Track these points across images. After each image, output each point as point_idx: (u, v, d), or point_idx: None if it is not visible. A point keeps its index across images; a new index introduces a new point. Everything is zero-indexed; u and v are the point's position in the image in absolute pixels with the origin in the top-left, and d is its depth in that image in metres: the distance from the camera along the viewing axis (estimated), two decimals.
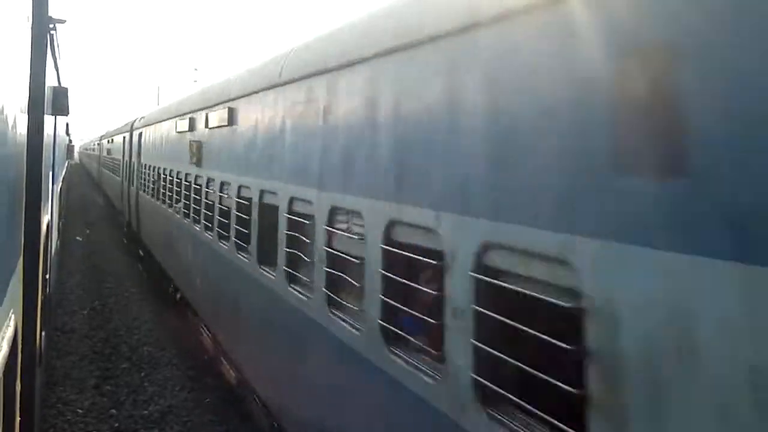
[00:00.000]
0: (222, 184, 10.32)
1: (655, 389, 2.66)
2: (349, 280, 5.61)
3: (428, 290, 4.37)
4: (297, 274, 7.03)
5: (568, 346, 3.09)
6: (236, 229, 9.27)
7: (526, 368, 3.39)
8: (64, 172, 20.41)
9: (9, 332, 3.39)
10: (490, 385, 3.70)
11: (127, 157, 26.61)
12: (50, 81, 7.61)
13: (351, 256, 5.57)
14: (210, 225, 11.06)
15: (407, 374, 4.57)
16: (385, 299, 4.89)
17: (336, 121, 6.01)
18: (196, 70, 67.60)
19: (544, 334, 3.27)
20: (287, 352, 7.25)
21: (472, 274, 3.84)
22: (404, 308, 4.69)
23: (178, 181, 14.42)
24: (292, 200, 7.04)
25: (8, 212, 3.85)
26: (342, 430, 5.82)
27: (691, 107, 2.61)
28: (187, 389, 11.94)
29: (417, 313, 4.53)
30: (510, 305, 3.61)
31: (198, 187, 12.21)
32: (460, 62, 4.14)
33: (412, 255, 4.60)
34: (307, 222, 6.58)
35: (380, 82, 5.21)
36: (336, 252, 5.85)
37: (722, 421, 2.39)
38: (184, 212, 13.70)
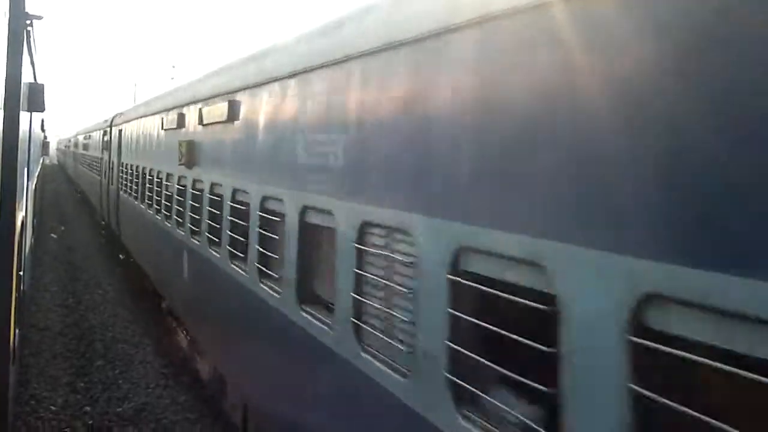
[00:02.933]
0: (212, 185, 9.47)
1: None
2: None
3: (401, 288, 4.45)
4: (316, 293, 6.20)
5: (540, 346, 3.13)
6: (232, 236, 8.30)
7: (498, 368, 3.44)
8: (39, 169, 20.26)
9: None
10: (464, 384, 3.74)
11: (106, 155, 25.58)
12: (26, 77, 7.60)
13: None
14: (200, 230, 10.08)
15: (378, 371, 4.64)
16: (357, 297, 4.97)
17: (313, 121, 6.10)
18: (173, 67, 67.25)
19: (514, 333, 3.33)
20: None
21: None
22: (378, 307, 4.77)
23: (168, 183, 12.93)
24: (305, 209, 6.08)
25: None
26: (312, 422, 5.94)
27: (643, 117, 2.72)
28: (162, 386, 11.94)
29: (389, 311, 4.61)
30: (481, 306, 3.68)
31: (197, 192, 10.46)
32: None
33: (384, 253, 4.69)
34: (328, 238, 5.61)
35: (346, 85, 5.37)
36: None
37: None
38: (177, 220, 11.95)
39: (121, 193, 20.33)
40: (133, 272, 18.55)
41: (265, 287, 7.02)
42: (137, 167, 17.27)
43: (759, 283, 2.20)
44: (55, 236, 28.05)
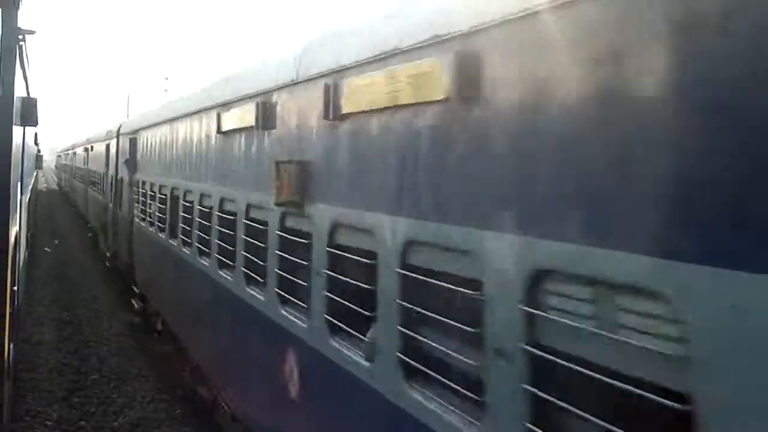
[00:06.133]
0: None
1: None
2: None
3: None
4: None
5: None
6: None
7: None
8: (32, 182, 20.20)
9: None
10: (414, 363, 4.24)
11: (112, 171, 20.85)
12: (19, 92, 7.60)
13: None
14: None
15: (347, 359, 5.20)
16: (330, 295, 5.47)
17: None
18: (167, 79, 67.10)
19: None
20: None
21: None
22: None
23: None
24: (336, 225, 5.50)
25: None
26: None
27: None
28: (157, 401, 11.89)
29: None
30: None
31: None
32: None
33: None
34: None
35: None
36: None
37: None
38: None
39: (137, 221, 15.69)
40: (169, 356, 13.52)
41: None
42: (169, 188, 12.29)
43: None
44: (48, 250, 27.97)
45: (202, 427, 10.56)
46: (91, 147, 29.99)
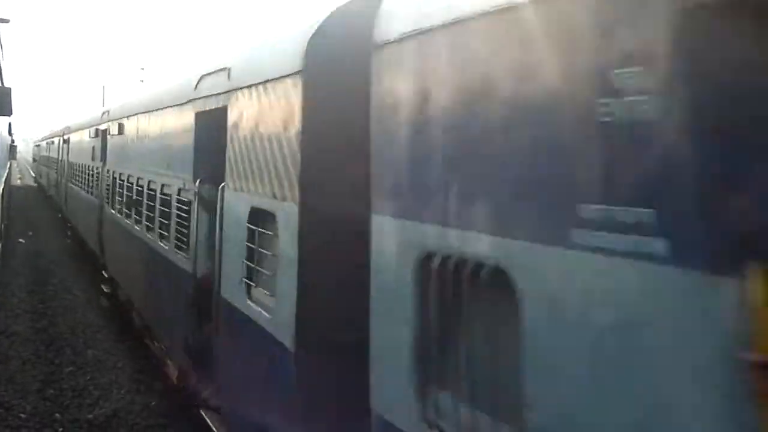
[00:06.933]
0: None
1: None
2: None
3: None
4: None
5: None
6: None
7: None
8: (6, 173, 19.93)
9: None
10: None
11: (83, 161, 22.36)
12: None
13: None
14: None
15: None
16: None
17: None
18: (142, 69, 66.38)
19: None
20: None
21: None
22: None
23: None
24: None
25: None
26: None
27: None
28: (134, 392, 11.83)
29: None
30: None
31: None
32: None
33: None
34: None
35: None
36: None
37: None
38: None
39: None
40: None
41: None
42: None
43: None
44: (23, 241, 27.66)
45: (179, 418, 10.53)
46: (67, 138, 30.74)
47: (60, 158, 30.41)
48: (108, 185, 16.94)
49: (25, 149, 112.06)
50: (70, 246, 27.11)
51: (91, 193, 20.26)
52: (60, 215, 33.93)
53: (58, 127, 38.79)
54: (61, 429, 10.47)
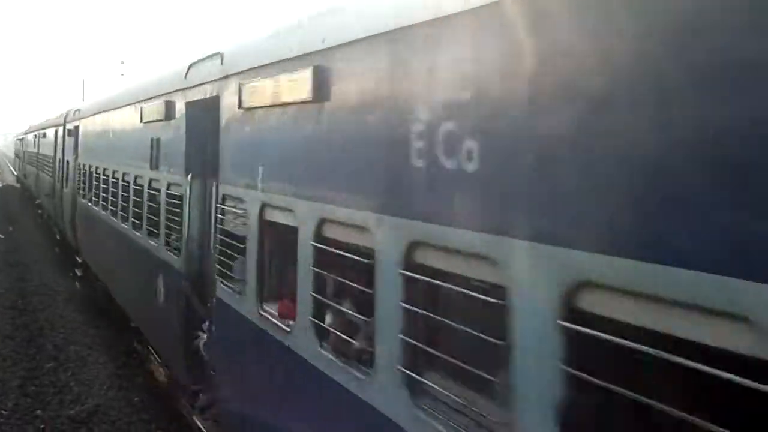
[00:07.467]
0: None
1: None
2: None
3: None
4: None
5: None
6: None
7: None
8: None
9: None
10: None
11: (59, 155, 21.06)
12: None
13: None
14: None
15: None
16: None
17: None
18: (123, 63, 65.89)
19: None
20: None
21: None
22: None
23: None
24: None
25: None
26: None
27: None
28: (116, 388, 11.80)
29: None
30: None
31: None
32: None
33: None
34: None
35: None
36: None
37: None
38: None
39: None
40: None
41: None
42: None
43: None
44: (2, 236, 27.40)
45: (161, 414, 10.53)
46: (44, 134, 31.15)
47: (57, 157, 23.43)
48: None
49: (4, 144, 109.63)
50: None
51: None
52: (58, 235, 24.78)
53: (53, 115, 30.50)
54: (42, 426, 10.42)
